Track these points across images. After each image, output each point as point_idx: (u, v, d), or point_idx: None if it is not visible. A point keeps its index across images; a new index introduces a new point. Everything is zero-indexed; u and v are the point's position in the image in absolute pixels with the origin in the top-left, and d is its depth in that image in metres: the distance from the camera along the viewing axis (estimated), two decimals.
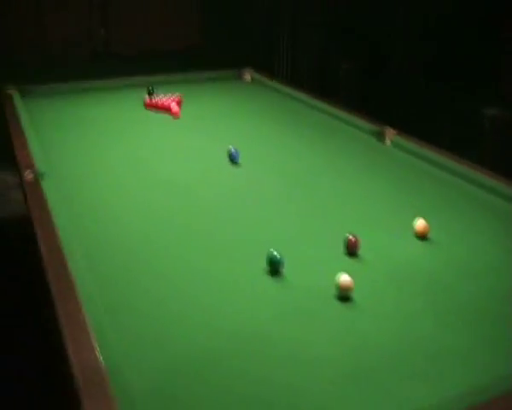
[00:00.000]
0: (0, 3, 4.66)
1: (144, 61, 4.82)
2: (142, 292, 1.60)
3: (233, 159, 2.45)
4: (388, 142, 2.66)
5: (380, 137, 2.70)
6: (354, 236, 1.77)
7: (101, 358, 1.25)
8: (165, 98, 3.25)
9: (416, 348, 1.37)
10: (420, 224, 1.86)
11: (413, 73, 4.59)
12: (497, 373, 1.27)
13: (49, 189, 2.15)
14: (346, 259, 1.75)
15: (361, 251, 1.76)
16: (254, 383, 1.26)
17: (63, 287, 1.52)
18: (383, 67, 4.93)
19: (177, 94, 3.32)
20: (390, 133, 2.68)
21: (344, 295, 1.55)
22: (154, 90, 3.39)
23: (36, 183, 2.20)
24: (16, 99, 3.33)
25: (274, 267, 1.65)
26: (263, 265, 1.67)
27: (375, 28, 5.06)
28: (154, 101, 3.26)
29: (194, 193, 2.22)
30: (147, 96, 3.32)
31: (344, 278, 1.55)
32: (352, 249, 1.76)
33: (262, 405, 1.21)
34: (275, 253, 1.65)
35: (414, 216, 1.91)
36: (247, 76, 3.87)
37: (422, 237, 1.86)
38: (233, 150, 2.46)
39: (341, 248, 1.77)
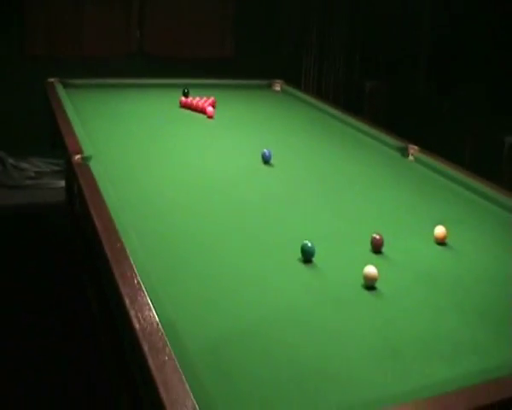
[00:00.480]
0: (48, 5, 4.86)
1: (176, 65, 5.02)
2: (188, 269, 1.76)
3: (266, 159, 2.62)
4: (411, 157, 2.82)
5: (403, 152, 2.87)
6: (379, 235, 1.93)
7: (156, 314, 1.42)
8: (200, 100, 3.43)
9: (435, 333, 1.53)
10: (439, 229, 2.02)
11: (438, 95, 4.78)
12: (507, 358, 1.43)
13: (96, 170, 2.33)
14: (372, 255, 1.90)
15: (386, 250, 1.92)
16: (291, 353, 1.42)
17: (118, 255, 1.68)
18: (407, 88, 5.12)
19: (211, 97, 3.50)
20: (413, 149, 2.85)
21: (370, 285, 1.71)
22: (190, 91, 3.57)
23: (85, 165, 2.37)
24: (59, 89, 3.52)
25: (307, 256, 1.81)
26: (297, 255, 1.83)
27: (399, 49, 5.26)
28: (189, 101, 3.43)
29: (232, 188, 2.39)
30: (182, 97, 3.50)
31: (370, 269, 1.71)
32: (377, 247, 1.92)
33: (297, 370, 1.36)
34: (308, 243, 1.82)
35: (434, 224, 2.06)
36: (277, 86, 4.05)
37: (441, 242, 2.02)
38: (266, 151, 2.63)
39: (368, 247, 1.93)
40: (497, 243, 2.08)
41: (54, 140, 3.78)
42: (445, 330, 1.55)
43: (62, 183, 4.69)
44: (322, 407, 1.24)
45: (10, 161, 4.93)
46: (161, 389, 1.18)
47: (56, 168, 4.94)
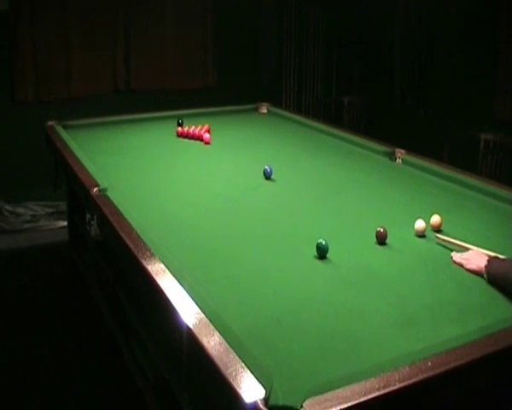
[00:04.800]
0: (34, 53, 5.06)
1: (161, 98, 5.26)
2: (222, 270, 1.99)
3: (268, 175, 2.84)
4: (399, 160, 3.07)
5: (391, 156, 3.12)
6: (383, 228, 2.16)
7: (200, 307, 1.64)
8: (196, 128, 3.65)
9: (441, 301, 1.78)
10: (435, 218, 2.26)
11: (413, 105, 5.07)
12: (504, 315, 1.67)
13: (115, 199, 2.52)
14: (378, 247, 2.13)
15: (388, 241, 2.15)
16: (320, 329, 1.63)
17: (158, 268, 1.88)
18: (384, 99, 5.41)
19: (206, 124, 3.72)
20: (400, 153, 3.10)
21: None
22: (183, 121, 3.79)
23: (104, 196, 2.57)
24: (60, 130, 3.71)
25: (322, 253, 2.03)
26: (313, 252, 2.05)
27: (374, 64, 5.56)
28: (186, 130, 3.65)
29: (243, 202, 2.63)
30: (178, 127, 3.72)
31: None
32: (381, 239, 2.15)
33: (328, 339, 1.58)
34: (323, 242, 2.04)
35: (428, 215, 2.29)
36: (264, 109, 4.30)
37: (437, 229, 2.25)
38: (267, 168, 2.85)
39: (373, 240, 2.16)
40: (482, 224, 2.35)
41: (56, 181, 3.97)
42: (449, 298, 1.79)
43: (58, 223, 4.90)
44: (353, 366, 1.45)
45: (6, 207, 5.10)
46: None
47: (50, 210, 5.12)
